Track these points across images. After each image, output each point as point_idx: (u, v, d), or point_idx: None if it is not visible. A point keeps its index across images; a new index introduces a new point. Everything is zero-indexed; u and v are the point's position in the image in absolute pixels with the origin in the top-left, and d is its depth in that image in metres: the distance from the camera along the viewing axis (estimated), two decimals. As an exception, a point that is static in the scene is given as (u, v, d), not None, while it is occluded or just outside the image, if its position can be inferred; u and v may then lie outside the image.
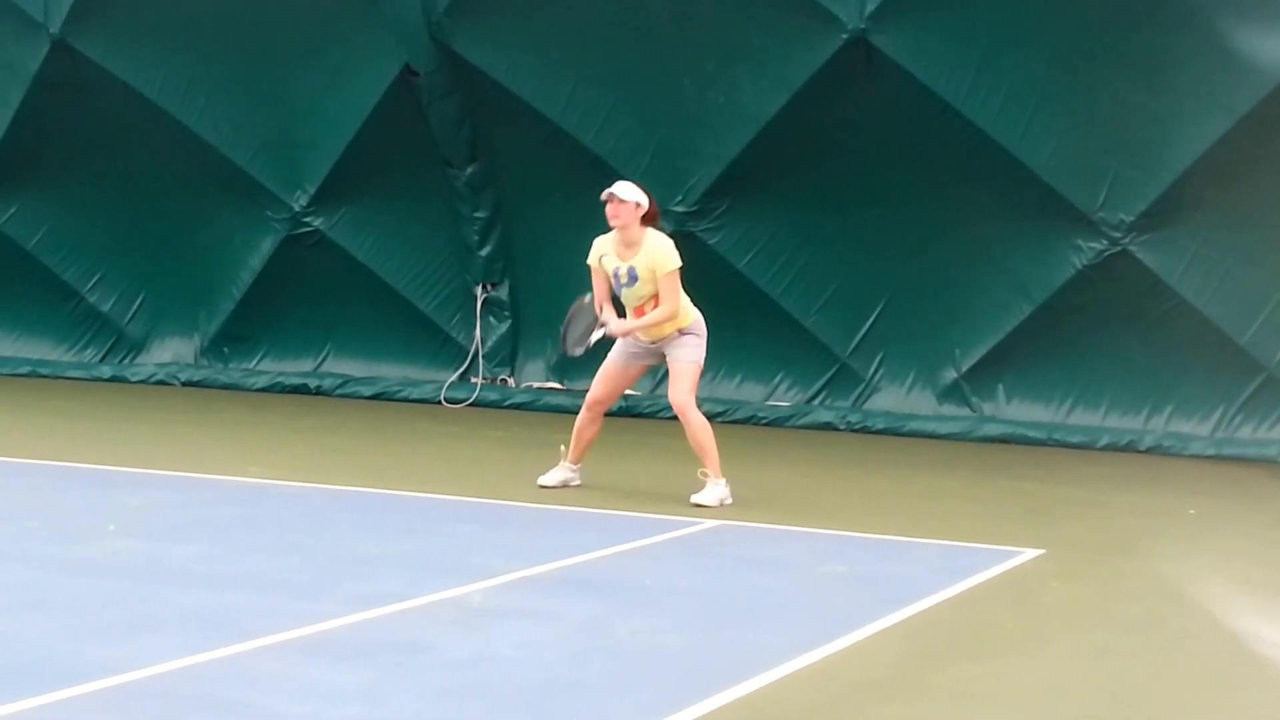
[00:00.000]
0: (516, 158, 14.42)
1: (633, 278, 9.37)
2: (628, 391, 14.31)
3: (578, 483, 9.83)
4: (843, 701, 5.59)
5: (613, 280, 9.47)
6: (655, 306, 9.37)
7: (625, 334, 9.49)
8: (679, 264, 9.36)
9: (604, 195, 9.39)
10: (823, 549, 8.36)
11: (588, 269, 9.66)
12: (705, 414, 13.77)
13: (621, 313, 9.65)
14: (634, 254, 9.36)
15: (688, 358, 9.47)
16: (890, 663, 6.14)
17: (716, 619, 6.74)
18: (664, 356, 9.58)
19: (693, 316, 9.52)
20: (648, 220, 9.41)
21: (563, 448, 9.83)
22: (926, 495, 10.55)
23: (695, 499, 9.40)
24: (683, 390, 9.46)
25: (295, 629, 6.16)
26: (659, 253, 9.33)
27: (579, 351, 9.68)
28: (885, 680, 5.88)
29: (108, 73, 14.96)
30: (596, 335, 9.55)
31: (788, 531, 8.85)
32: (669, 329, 9.45)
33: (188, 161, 15.26)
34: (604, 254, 9.50)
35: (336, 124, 14.70)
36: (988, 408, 13.46)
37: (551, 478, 9.80)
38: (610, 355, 9.71)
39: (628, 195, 9.32)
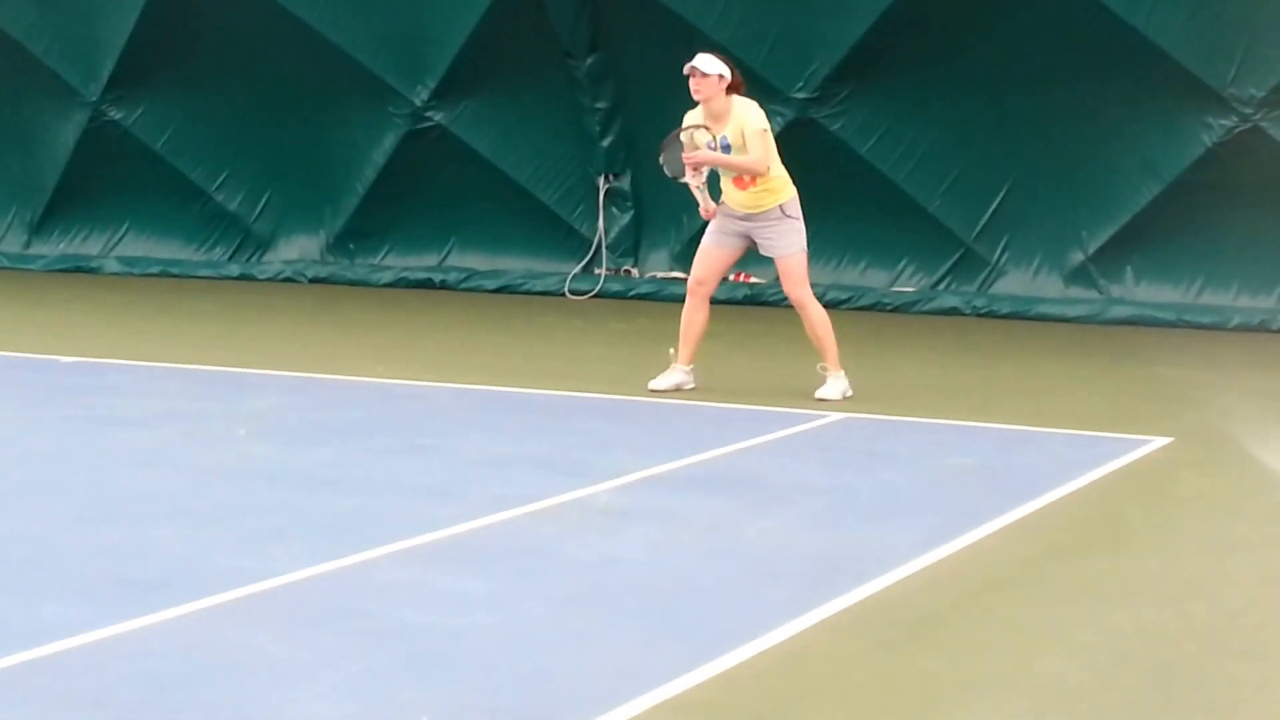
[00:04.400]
0: (636, 47, 14.30)
1: (725, 148, 9.20)
2: (752, 280, 14.36)
3: (692, 385, 9.57)
4: (971, 600, 5.57)
5: None
6: (752, 180, 9.20)
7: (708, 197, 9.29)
8: (767, 124, 9.20)
9: (686, 70, 9.18)
10: (950, 441, 8.31)
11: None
12: (830, 302, 13.86)
13: (717, 191, 9.44)
14: (723, 125, 9.19)
15: (792, 250, 9.31)
16: (1018, 559, 6.10)
17: (844, 516, 6.74)
18: (755, 239, 9.35)
19: (791, 193, 9.32)
20: (732, 90, 9.22)
21: (672, 350, 9.61)
22: (1054, 382, 10.43)
23: (819, 394, 9.36)
24: (797, 283, 9.37)
25: (423, 535, 6.24)
26: (746, 115, 9.16)
27: (667, 172, 9.49)
28: (1013, 578, 5.85)
29: (227, -29, 15.02)
30: (690, 180, 9.31)
31: (914, 424, 8.80)
32: (767, 200, 9.25)
33: (310, 59, 15.31)
34: (695, 127, 9.31)
35: (456, 17, 14.66)
36: (1116, 289, 13.25)
37: (663, 381, 9.56)
38: (706, 234, 9.53)
39: (710, 68, 9.12)
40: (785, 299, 13.79)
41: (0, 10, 16.05)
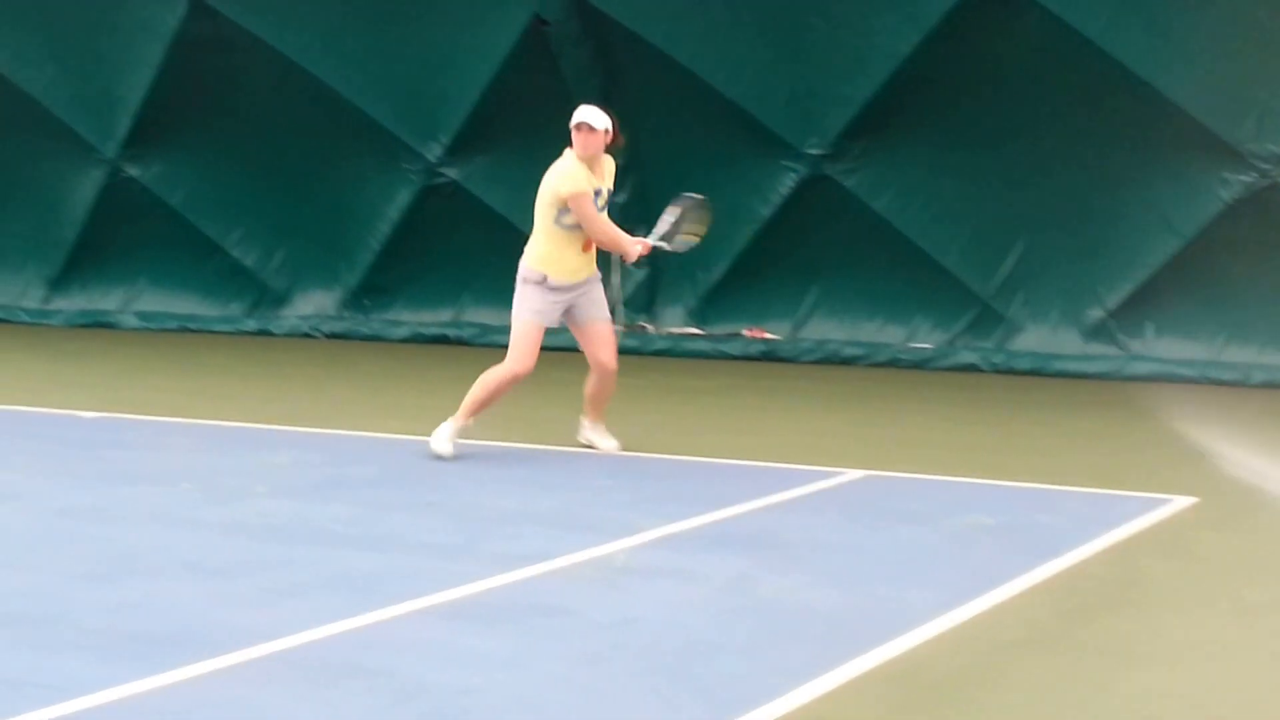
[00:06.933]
0: (649, 103, 14.34)
1: (611, 200, 9.22)
2: (768, 336, 14.35)
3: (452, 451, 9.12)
4: (990, 662, 5.52)
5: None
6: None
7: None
8: None
9: (575, 124, 9.03)
10: (969, 499, 8.26)
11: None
12: (846, 358, 13.87)
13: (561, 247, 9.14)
14: (600, 178, 9.12)
15: (608, 316, 9.30)
16: (1038, 620, 6.05)
17: (862, 575, 6.68)
18: (576, 304, 9.13)
19: None
20: (608, 145, 9.17)
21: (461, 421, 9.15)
22: (1074, 439, 10.37)
23: (607, 447, 9.48)
24: (615, 350, 9.36)
25: (439, 593, 6.21)
26: (612, 170, 9.21)
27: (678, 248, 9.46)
28: (1034, 639, 5.80)
29: (245, 30, 15.10)
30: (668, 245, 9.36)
31: (932, 481, 8.75)
32: (594, 262, 9.23)
33: (325, 116, 15.38)
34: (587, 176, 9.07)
35: (469, 75, 14.72)
36: (1136, 345, 13.19)
37: (444, 445, 9.11)
38: (532, 315, 9.07)
39: (600, 124, 9.05)
40: (802, 355, 13.93)
41: (19, 69, 16.16)
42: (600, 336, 9.27)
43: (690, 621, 5.93)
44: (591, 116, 9.09)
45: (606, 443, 9.52)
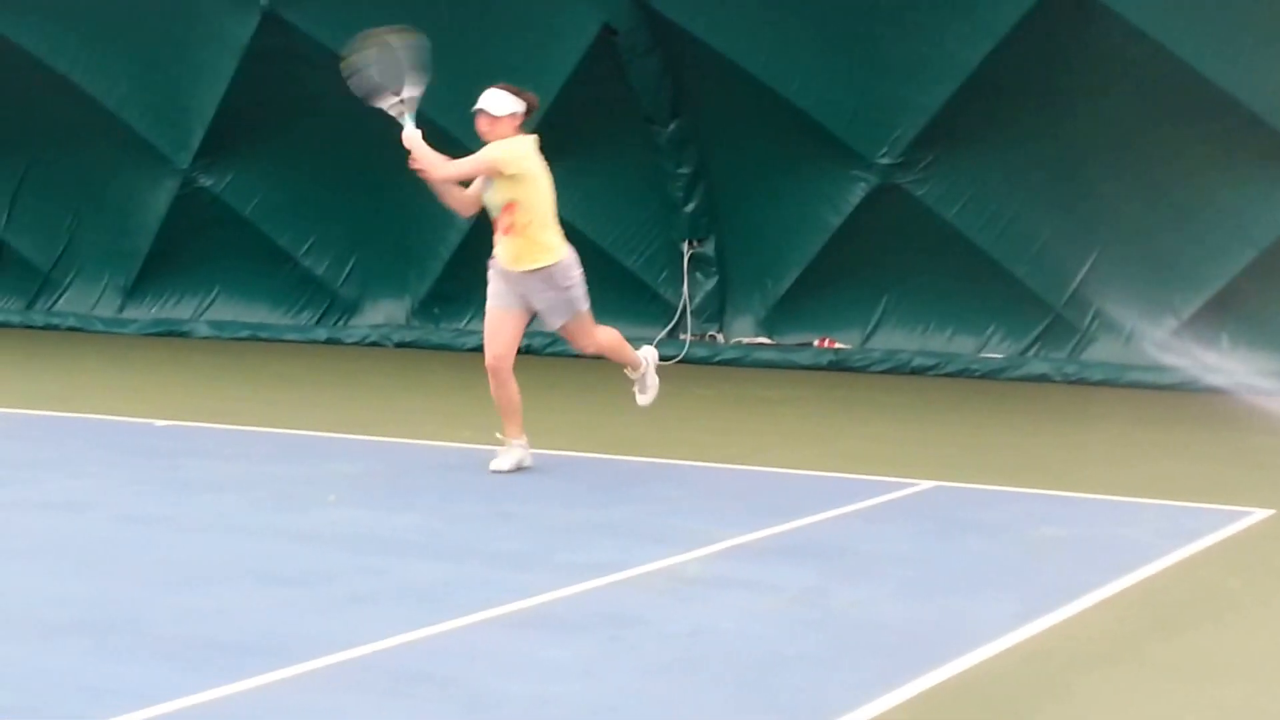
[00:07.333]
0: (719, 113, 14.34)
1: (488, 181, 8.89)
2: (838, 345, 14.30)
3: (530, 461, 9.04)
4: (1064, 678, 5.46)
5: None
6: (510, 218, 8.80)
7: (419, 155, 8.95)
8: (508, 159, 8.77)
9: (476, 109, 8.84)
10: (1041, 510, 8.19)
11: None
12: (916, 368, 13.79)
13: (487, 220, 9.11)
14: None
15: (570, 313, 8.94)
16: (1113, 634, 5.98)
17: (934, 587, 6.64)
18: (532, 301, 8.89)
19: (557, 258, 8.82)
20: (526, 115, 8.96)
21: (499, 435, 9.07)
22: (1148, 451, 10.28)
23: (643, 400, 9.53)
24: (591, 334, 9.16)
25: (511, 602, 6.20)
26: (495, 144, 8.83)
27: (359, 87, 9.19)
28: (1110, 655, 5.73)
29: (315, 42, 15.19)
30: (394, 111, 9.10)
31: (1004, 492, 8.69)
32: (526, 258, 8.77)
33: (394, 126, 15.36)
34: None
35: (538, 84, 14.52)
36: (1211, 357, 13.05)
37: (505, 461, 8.96)
38: (489, 299, 8.95)
39: (500, 110, 8.83)
40: (872, 365, 13.87)
41: (95, 82, 16.33)
42: (571, 336, 9.23)
43: (762, 633, 5.90)
44: (493, 103, 8.88)
45: (642, 397, 9.52)
